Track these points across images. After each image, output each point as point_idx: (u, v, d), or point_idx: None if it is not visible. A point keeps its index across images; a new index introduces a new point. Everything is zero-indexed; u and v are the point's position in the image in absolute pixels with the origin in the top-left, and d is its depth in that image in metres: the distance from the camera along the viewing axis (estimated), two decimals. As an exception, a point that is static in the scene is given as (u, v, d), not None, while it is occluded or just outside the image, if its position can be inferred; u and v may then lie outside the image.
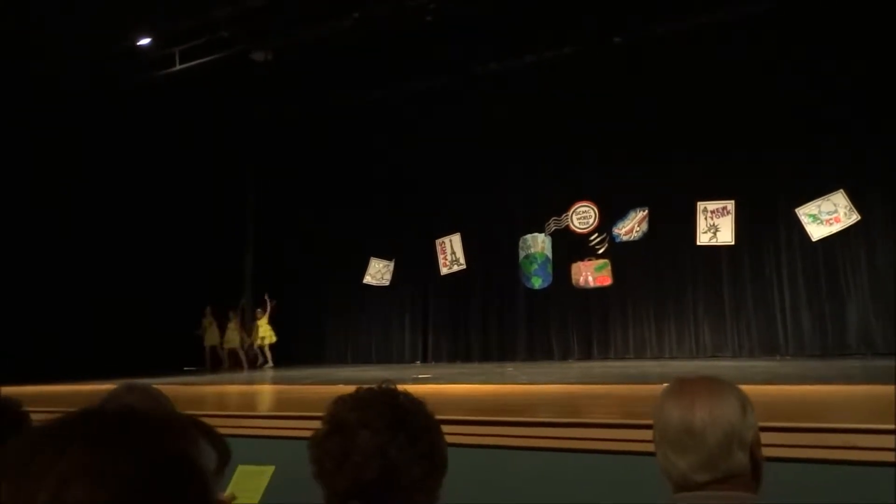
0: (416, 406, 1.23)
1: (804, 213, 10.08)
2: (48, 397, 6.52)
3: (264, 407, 6.24)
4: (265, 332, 12.61)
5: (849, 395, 4.87)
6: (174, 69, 10.73)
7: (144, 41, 10.40)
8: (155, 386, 1.96)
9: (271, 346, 12.68)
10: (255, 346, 12.80)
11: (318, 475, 1.20)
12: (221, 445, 0.71)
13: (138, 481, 0.58)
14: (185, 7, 9.57)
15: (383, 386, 1.26)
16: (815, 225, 10.05)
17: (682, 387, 1.39)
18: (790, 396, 5.13)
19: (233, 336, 12.81)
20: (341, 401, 1.24)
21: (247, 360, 12.80)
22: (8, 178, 9.94)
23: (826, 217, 10.01)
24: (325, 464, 1.18)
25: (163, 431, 0.65)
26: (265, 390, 8.25)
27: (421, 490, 1.17)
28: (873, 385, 5.20)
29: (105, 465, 0.58)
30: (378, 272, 12.98)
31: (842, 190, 9.85)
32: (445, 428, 3.61)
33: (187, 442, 0.65)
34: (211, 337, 12.93)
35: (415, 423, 1.20)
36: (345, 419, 1.19)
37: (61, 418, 0.66)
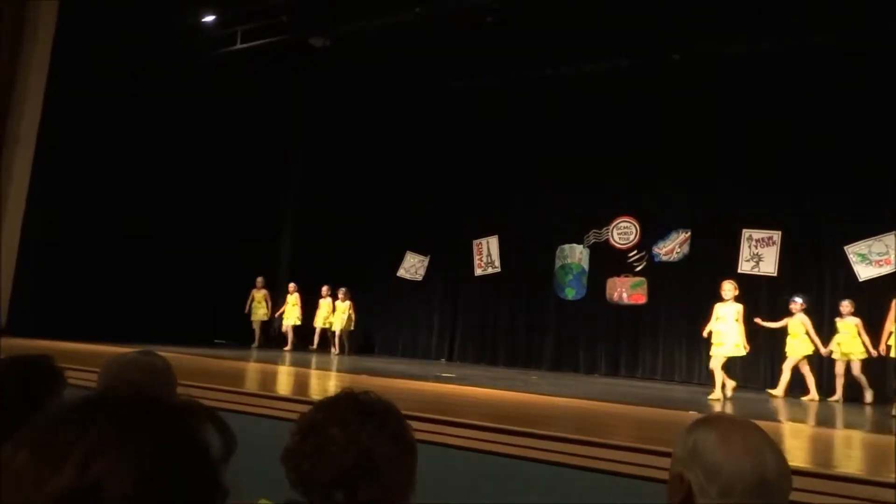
0: (376, 398, 1.35)
1: (853, 251, 9.81)
2: (85, 355, 6.73)
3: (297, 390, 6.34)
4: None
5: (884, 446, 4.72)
6: (235, 48, 10.96)
7: (209, 18, 10.64)
8: (164, 356, 1.99)
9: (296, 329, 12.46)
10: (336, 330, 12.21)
11: (297, 482, 1.28)
12: (228, 434, 0.74)
13: (159, 459, 0.62)
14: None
15: (342, 391, 1.38)
16: (863, 265, 9.77)
17: (742, 431, 1.26)
18: (821, 439, 5.01)
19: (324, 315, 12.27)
20: (308, 411, 1.35)
21: (339, 344, 12.10)
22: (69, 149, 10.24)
23: (876, 258, 9.73)
24: (303, 466, 1.27)
25: (179, 415, 0.69)
26: (295, 373, 8.37)
27: (397, 468, 1.28)
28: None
29: (129, 442, 0.62)
30: (412, 266, 13.05)
31: (895, 232, 9.55)
32: (462, 432, 3.64)
33: (199, 427, 0.69)
34: (259, 311, 12.44)
35: (378, 411, 1.31)
36: (315, 421, 1.30)
37: (82, 397, 0.70)
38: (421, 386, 6.52)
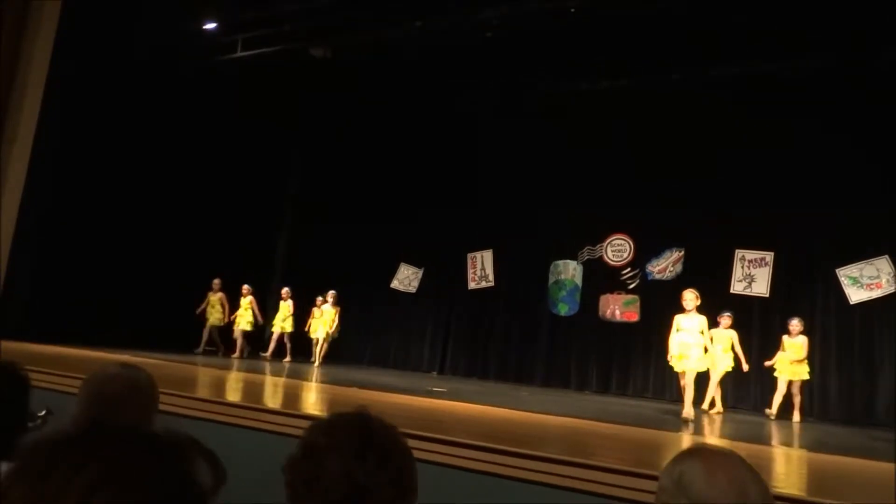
0: (387, 431, 1.25)
1: (845, 274, 9.88)
2: (73, 361, 6.69)
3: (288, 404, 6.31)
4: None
5: (875, 472, 4.72)
6: (235, 55, 10.99)
7: (211, 25, 10.68)
8: (145, 368, 1.97)
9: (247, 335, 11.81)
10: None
11: (291, 499, 1.23)
12: (218, 468, 0.74)
13: (156, 496, 0.62)
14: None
15: (358, 411, 1.28)
16: (854, 288, 9.83)
17: (727, 463, 1.27)
18: (808, 464, 5.01)
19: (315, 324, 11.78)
20: (315, 426, 1.27)
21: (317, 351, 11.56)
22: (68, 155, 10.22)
23: (867, 281, 9.79)
24: (297, 487, 1.21)
25: (173, 451, 0.69)
26: (287, 385, 8.32)
27: None
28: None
29: (125, 482, 0.62)
30: (406, 278, 13.03)
31: (887, 256, 9.63)
32: (451, 450, 3.63)
33: (191, 463, 0.69)
34: (215, 315, 11.63)
35: (384, 447, 1.21)
36: (315, 444, 1.22)
37: (79, 431, 0.70)
38: (410, 400, 6.49)
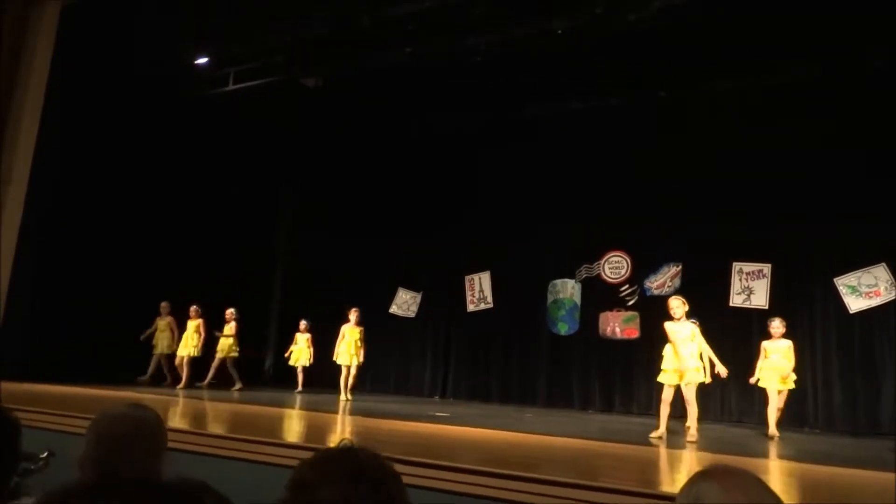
0: (374, 459, 1.28)
1: (843, 283, 9.89)
2: (75, 400, 6.64)
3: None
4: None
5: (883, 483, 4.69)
6: (228, 88, 11.06)
7: (202, 60, 10.75)
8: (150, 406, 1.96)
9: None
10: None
11: None
12: None
13: None
14: (243, 33, 9.90)
15: (342, 444, 1.31)
16: (853, 297, 9.84)
17: (743, 483, 1.27)
18: (816, 477, 4.98)
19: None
20: (303, 463, 1.28)
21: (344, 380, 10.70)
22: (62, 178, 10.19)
23: (866, 290, 9.81)
24: None
25: (185, 499, 0.69)
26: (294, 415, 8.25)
27: None
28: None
29: None
30: (405, 303, 12.99)
31: (884, 264, 9.65)
32: (458, 476, 3.59)
33: None
34: (163, 342, 10.96)
35: (374, 474, 1.23)
36: (305, 480, 1.23)
37: (85, 484, 0.70)
38: (415, 427, 6.44)
